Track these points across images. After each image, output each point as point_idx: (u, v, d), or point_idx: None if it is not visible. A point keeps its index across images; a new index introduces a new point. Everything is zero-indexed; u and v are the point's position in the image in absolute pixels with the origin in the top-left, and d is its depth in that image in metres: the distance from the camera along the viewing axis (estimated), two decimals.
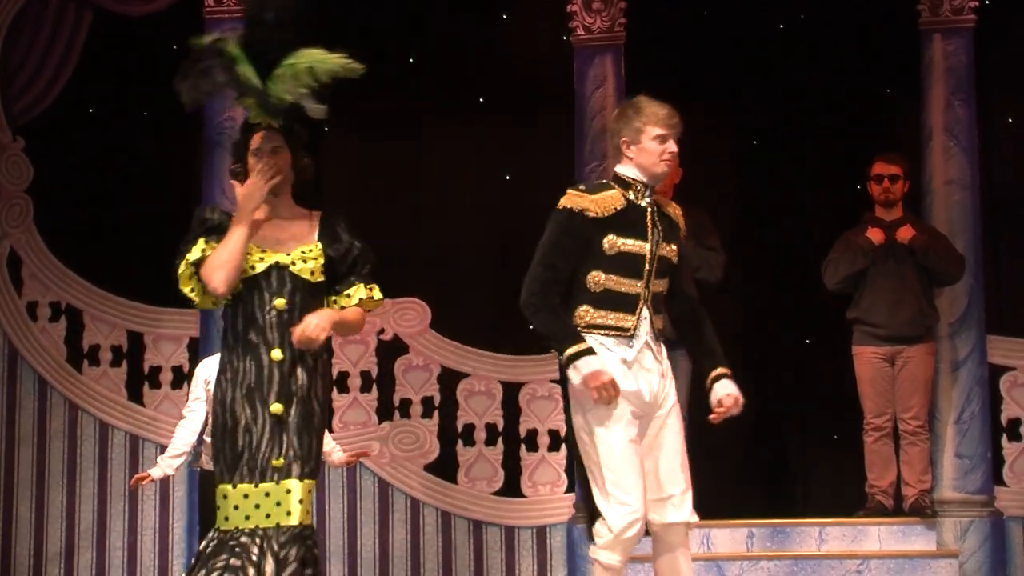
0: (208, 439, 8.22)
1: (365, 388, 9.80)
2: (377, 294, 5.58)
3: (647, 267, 5.75)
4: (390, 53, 10.32)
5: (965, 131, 9.15)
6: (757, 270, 9.92)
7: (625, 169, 5.89)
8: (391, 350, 9.81)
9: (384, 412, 9.80)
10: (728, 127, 10.34)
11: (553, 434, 9.63)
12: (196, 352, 9.77)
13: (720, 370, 6.04)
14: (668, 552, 5.94)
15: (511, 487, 9.60)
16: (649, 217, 5.81)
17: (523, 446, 9.60)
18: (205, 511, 8.28)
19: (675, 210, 6.01)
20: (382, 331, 9.81)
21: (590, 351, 5.66)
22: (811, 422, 9.92)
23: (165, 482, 9.71)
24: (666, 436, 5.89)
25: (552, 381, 9.61)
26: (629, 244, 5.74)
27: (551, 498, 9.56)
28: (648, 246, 5.77)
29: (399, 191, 10.41)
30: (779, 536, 8.73)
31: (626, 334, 5.76)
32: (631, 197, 5.83)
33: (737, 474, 9.91)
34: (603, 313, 5.75)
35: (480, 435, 9.69)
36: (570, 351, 5.66)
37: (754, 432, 10.03)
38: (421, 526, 9.61)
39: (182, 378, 9.89)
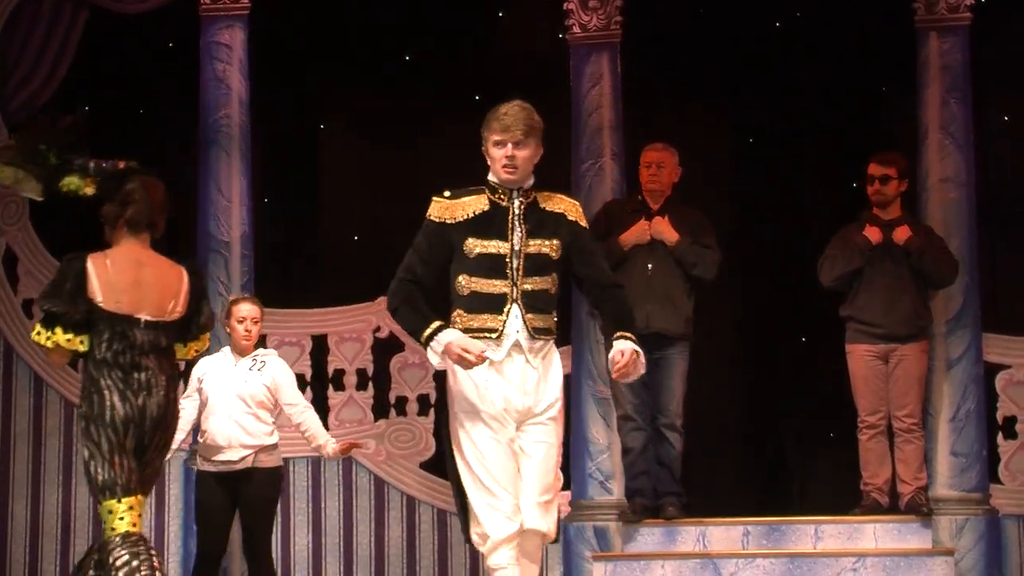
0: (202, 439, 8.26)
1: (361, 386, 9.80)
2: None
3: (511, 266, 5.79)
4: (387, 51, 10.33)
5: (961, 129, 9.15)
6: (754, 268, 9.92)
7: (490, 174, 5.96)
8: (387, 348, 9.81)
9: (380, 410, 9.81)
10: (725, 125, 10.34)
11: None
12: None
13: (621, 332, 5.98)
14: (522, 558, 5.88)
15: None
16: (511, 216, 5.85)
17: None
18: (200, 510, 8.29)
19: (564, 205, 6.01)
20: (378, 329, 9.81)
21: (442, 326, 5.73)
22: (807, 420, 9.92)
23: (161, 481, 9.70)
24: (537, 443, 5.86)
25: None
26: (488, 245, 5.80)
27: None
28: (508, 245, 5.81)
29: (396, 189, 10.40)
30: (775, 534, 8.73)
31: (493, 335, 5.79)
32: (496, 199, 5.90)
33: (733, 472, 9.92)
34: (473, 316, 5.82)
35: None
36: (425, 334, 5.74)
37: (750, 430, 10.04)
38: (417, 524, 9.61)
39: (178, 376, 9.86)
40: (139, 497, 5.93)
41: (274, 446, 8.28)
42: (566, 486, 9.42)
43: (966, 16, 9.26)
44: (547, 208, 5.94)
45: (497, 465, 5.77)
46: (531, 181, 5.95)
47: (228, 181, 9.68)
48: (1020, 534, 9.01)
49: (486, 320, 5.80)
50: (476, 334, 5.79)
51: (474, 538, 5.84)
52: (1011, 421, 9.23)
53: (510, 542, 5.77)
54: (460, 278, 5.83)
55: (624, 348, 5.92)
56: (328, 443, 8.33)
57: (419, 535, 9.59)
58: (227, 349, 8.38)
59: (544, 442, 5.87)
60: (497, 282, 5.82)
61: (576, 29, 9.58)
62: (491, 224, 5.84)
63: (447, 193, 5.95)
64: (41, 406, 9.89)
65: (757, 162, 10.20)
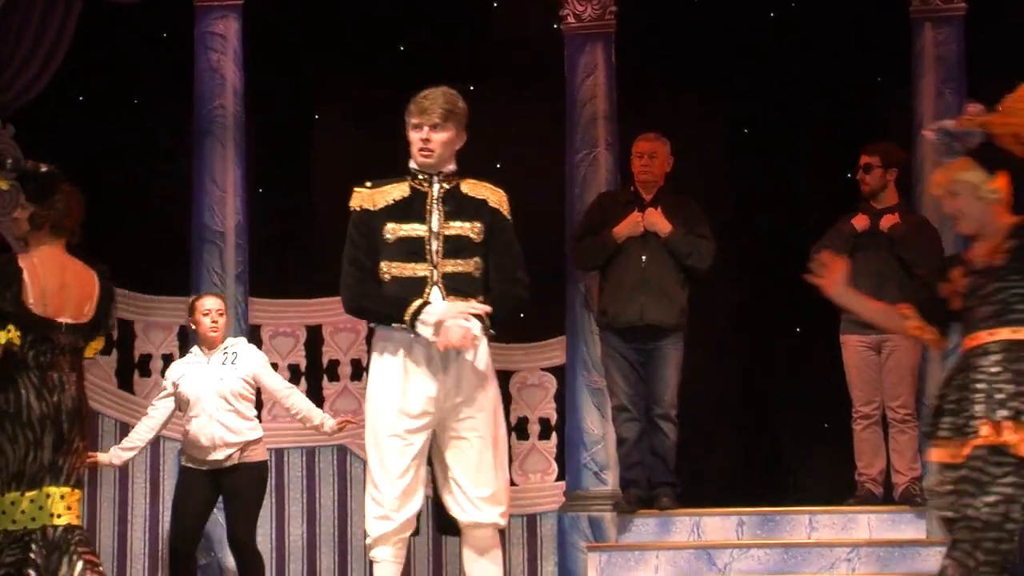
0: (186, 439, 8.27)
1: (355, 376, 9.79)
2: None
3: (430, 248, 5.75)
4: (382, 42, 10.31)
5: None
6: (748, 259, 9.91)
7: (411, 161, 5.95)
8: None
9: None
10: (720, 115, 10.33)
11: (543, 422, 9.63)
12: (186, 340, 9.75)
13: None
14: (475, 552, 5.89)
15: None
16: (430, 200, 5.83)
17: (513, 434, 9.59)
18: (179, 506, 8.30)
19: (488, 192, 5.97)
20: None
21: (425, 303, 5.69)
22: (801, 411, 9.92)
23: (156, 472, 9.72)
24: (465, 437, 5.83)
25: (542, 369, 9.61)
26: (406, 228, 5.78)
27: (541, 486, 9.57)
28: (426, 227, 5.79)
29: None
30: (769, 524, 8.73)
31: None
32: (416, 185, 5.89)
33: (727, 462, 9.93)
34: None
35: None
36: (409, 312, 5.68)
37: (744, 420, 10.05)
38: None
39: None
40: (70, 490, 5.97)
41: (259, 440, 8.29)
42: (560, 476, 9.47)
43: (961, 7, 9.26)
44: (469, 194, 5.92)
45: (393, 463, 5.76)
46: (452, 167, 5.93)
47: (222, 171, 9.67)
48: None
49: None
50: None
51: (368, 529, 5.85)
52: None
53: (387, 541, 5.78)
54: (382, 265, 5.80)
55: (468, 325, 5.76)
56: (324, 420, 8.36)
57: None
58: (195, 349, 8.40)
59: (472, 436, 5.83)
60: (417, 265, 5.79)
61: (571, 19, 9.57)
62: (410, 208, 5.81)
63: (368, 183, 5.94)
64: None
65: (751, 152, 10.20)
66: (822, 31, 9.88)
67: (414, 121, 5.87)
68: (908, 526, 8.64)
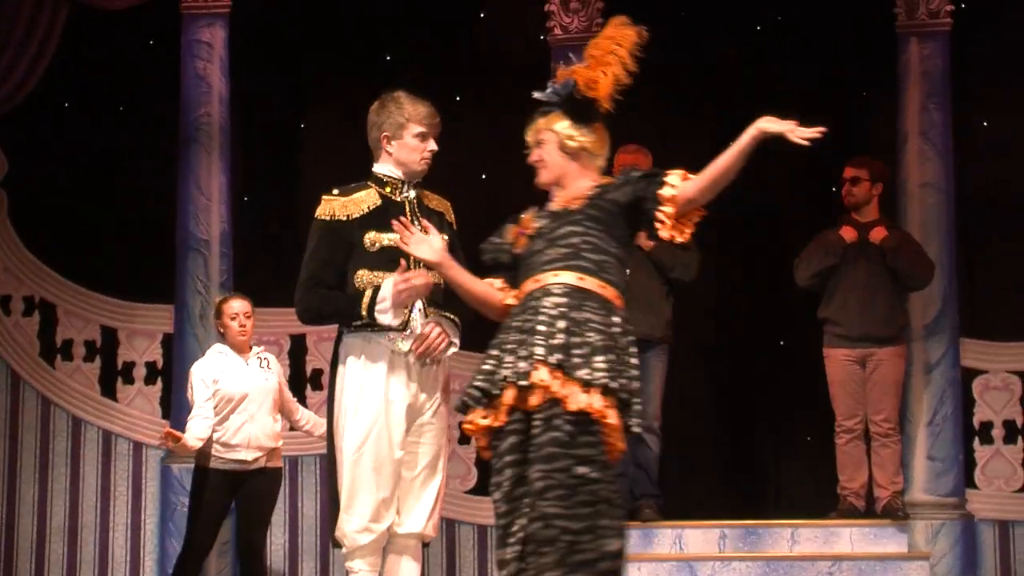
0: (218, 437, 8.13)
1: None
2: None
3: (411, 258, 5.66)
4: (367, 52, 10.31)
5: (940, 134, 9.18)
6: (732, 270, 9.93)
7: (382, 167, 5.91)
8: None
9: None
10: (704, 128, 10.33)
11: None
12: (170, 348, 9.74)
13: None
14: (396, 558, 5.86)
15: (484, 485, 9.59)
16: (408, 211, 5.80)
17: None
18: (201, 506, 8.19)
19: (442, 204, 6.02)
20: None
21: (376, 288, 5.66)
22: (784, 423, 9.93)
23: (137, 478, 9.70)
24: (423, 444, 5.84)
25: None
26: (389, 238, 5.69)
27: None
28: None
29: None
30: (751, 537, 8.73)
31: (395, 329, 5.72)
32: (387, 193, 5.86)
33: (710, 475, 9.92)
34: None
35: (453, 433, 9.68)
36: (364, 304, 5.65)
37: (727, 433, 10.04)
38: None
39: (155, 374, 9.87)
40: None
41: (279, 449, 8.25)
42: None
43: (946, 22, 9.28)
44: (430, 205, 5.94)
45: (365, 472, 5.71)
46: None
47: (208, 179, 9.67)
48: (995, 539, 9.04)
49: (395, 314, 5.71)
50: (380, 330, 5.72)
51: (337, 534, 5.80)
52: (987, 426, 9.26)
53: (368, 550, 5.75)
54: (359, 273, 5.75)
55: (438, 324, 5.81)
56: (316, 426, 8.34)
57: None
58: (225, 348, 8.27)
59: (432, 444, 5.85)
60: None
61: (557, 31, 9.58)
62: (385, 217, 5.74)
63: (336, 191, 5.89)
64: (18, 403, 9.87)
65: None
66: (808, 45, 9.89)
67: (421, 130, 5.87)
68: (890, 540, 8.64)
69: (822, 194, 9.73)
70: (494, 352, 5.16)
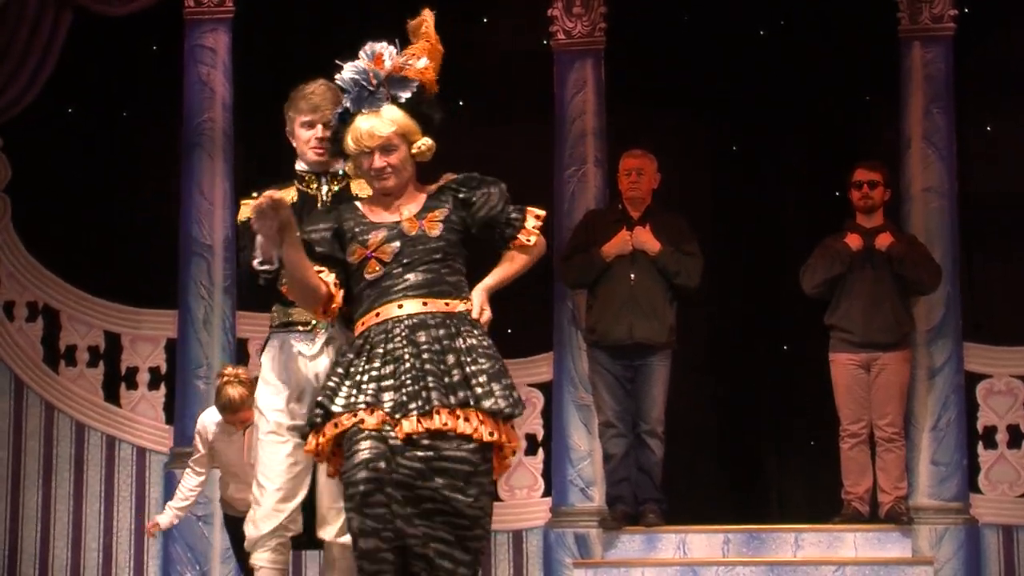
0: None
1: None
2: None
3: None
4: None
5: (943, 139, 9.17)
6: (735, 276, 9.93)
7: (298, 163, 5.76)
8: None
9: None
10: (708, 133, 10.34)
11: (530, 438, 9.61)
12: (173, 353, 9.74)
13: None
14: (330, 567, 5.69)
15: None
16: (320, 203, 5.60)
17: None
18: (236, 549, 8.11)
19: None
20: None
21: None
22: (788, 428, 9.93)
23: (141, 483, 9.70)
24: None
25: (530, 385, 9.59)
26: (303, 234, 5.37)
27: (528, 502, 9.55)
28: None
29: None
30: (755, 542, 8.74)
31: (306, 327, 5.60)
32: (304, 188, 5.69)
33: (714, 479, 9.92)
34: (289, 310, 5.62)
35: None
36: (254, 263, 5.41)
37: (731, 438, 10.04)
38: None
39: (159, 379, 9.86)
40: None
41: None
42: (547, 492, 9.46)
43: (949, 27, 9.27)
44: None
45: (269, 465, 5.55)
46: (340, 165, 5.67)
47: (211, 184, 9.67)
48: (999, 544, 9.03)
49: (301, 313, 5.56)
50: (290, 328, 5.61)
51: (248, 524, 5.66)
52: (991, 431, 9.25)
53: (266, 541, 5.57)
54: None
55: None
56: None
57: None
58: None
59: None
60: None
61: (560, 36, 9.58)
62: (301, 213, 5.49)
63: (254, 194, 5.54)
64: (21, 409, 9.86)
65: (739, 170, 10.21)
66: (811, 49, 9.89)
67: (305, 119, 5.67)
68: (894, 544, 8.65)
69: (825, 199, 9.73)
70: (338, 370, 5.07)
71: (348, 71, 5.28)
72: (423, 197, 5.24)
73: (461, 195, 5.26)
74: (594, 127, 9.43)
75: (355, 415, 4.97)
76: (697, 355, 9.58)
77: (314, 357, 5.61)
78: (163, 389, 9.86)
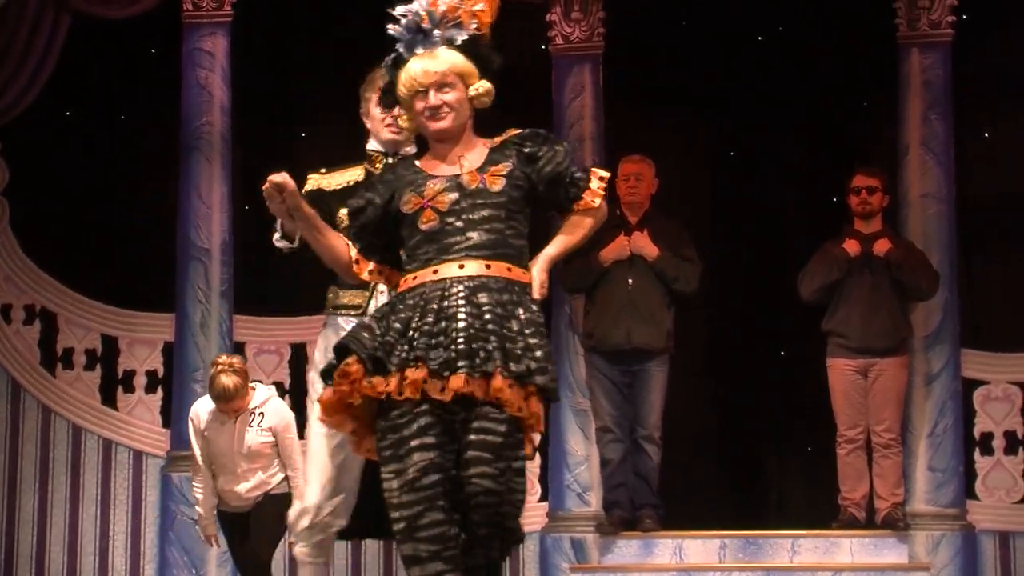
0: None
1: None
2: None
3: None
4: (368, 60, 10.30)
5: (941, 145, 9.18)
6: (733, 281, 9.93)
7: (370, 143, 5.71)
8: None
9: None
10: (706, 138, 10.34)
11: None
12: (171, 357, 9.73)
13: None
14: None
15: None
16: None
17: None
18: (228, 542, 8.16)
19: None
20: None
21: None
22: (785, 434, 9.93)
23: (137, 487, 9.70)
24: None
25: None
26: None
27: (524, 507, 9.53)
28: None
29: None
30: (751, 547, 8.73)
31: (358, 311, 5.57)
32: (371, 168, 5.64)
33: (710, 485, 9.92)
34: (343, 292, 5.62)
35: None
36: (274, 237, 5.49)
37: (728, 443, 10.04)
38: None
39: (156, 382, 9.86)
40: None
41: (283, 479, 8.05)
42: (543, 496, 9.46)
43: (948, 33, 9.28)
44: None
45: (316, 459, 5.62)
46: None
47: (208, 188, 9.66)
48: (996, 550, 9.03)
49: (354, 296, 5.58)
50: (344, 312, 5.60)
51: (291, 515, 5.67)
52: (988, 437, 9.25)
53: (306, 535, 5.60)
54: None
55: None
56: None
57: (396, 546, 9.54)
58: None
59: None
60: None
61: (559, 40, 9.58)
62: None
63: (323, 169, 5.66)
64: (18, 412, 9.86)
65: (737, 175, 10.21)
66: (809, 55, 9.90)
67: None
68: (890, 551, 8.65)
69: (823, 204, 9.73)
70: (396, 325, 4.68)
71: (401, 15, 4.92)
72: (485, 150, 4.92)
73: (527, 149, 4.92)
74: (592, 132, 9.43)
75: (403, 376, 4.62)
76: (696, 357, 9.58)
77: None
78: (160, 393, 9.86)
